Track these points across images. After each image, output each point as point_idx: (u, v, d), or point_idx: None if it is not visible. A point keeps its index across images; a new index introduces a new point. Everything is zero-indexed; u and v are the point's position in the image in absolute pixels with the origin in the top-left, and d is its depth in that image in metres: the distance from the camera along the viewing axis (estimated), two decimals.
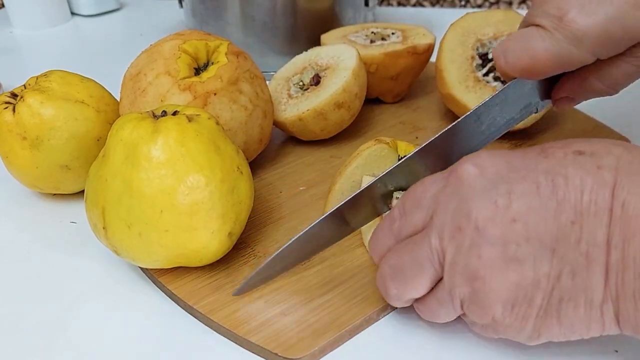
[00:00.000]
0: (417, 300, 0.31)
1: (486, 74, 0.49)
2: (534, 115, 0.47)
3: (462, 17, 0.51)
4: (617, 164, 0.25)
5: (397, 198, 0.36)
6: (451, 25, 0.51)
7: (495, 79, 0.49)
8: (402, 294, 0.30)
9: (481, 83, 0.48)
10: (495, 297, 0.26)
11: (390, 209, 0.35)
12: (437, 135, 0.33)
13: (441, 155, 0.34)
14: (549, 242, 0.25)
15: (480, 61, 0.49)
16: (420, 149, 0.33)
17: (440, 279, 0.28)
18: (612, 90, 0.35)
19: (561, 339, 0.28)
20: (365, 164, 0.39)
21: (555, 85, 0.36)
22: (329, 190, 0.41)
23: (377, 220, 0.37)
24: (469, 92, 0.48)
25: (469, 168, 0.27)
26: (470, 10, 0.79)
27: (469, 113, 0.34)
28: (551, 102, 0.37)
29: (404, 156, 0.39)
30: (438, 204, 0.28)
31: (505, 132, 0.36)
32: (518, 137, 0.49)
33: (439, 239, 0.27)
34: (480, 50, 0.50)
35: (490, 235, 0.26)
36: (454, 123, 0.33)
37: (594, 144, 0.27)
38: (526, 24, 0.34)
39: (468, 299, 0.27)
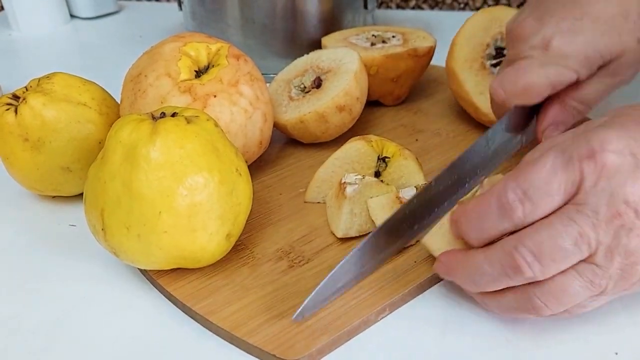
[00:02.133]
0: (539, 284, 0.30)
1: (494, 65, 0.49)
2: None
3: (497, 5, 0.53)
4: None
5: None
6: (483, 9, 0.53)
7: None
8: (542, 274, 0.30)
9: (485, 71, 0.49)
10: None
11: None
12: (451, 163, 0.36)
13: (455, 177, 0.37)
14: None
15: (493, 52, 0.50)
16: (437, 177, 0.36)
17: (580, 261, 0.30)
18: (588, 108, 0.40)
19: None
20: (345, 157, 0.43)
21: (539, 117, 0.41)
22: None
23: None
24: (470, 73, 0.49)
25: (610, 156, 0.29)
26: (469, 13, 0.79)
27: (479, 138, 0.38)
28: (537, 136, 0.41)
29: (385, 157, 0.42)
30: (584, 192, 0.29)
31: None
32: None
33: (592, 226, 0.29)
34: (499, 43, 0.51)
35: None
36: (466, 149, 0.37)
37: None
38: (511, 62, 0.39)
39: (617, 275, 0.29)
